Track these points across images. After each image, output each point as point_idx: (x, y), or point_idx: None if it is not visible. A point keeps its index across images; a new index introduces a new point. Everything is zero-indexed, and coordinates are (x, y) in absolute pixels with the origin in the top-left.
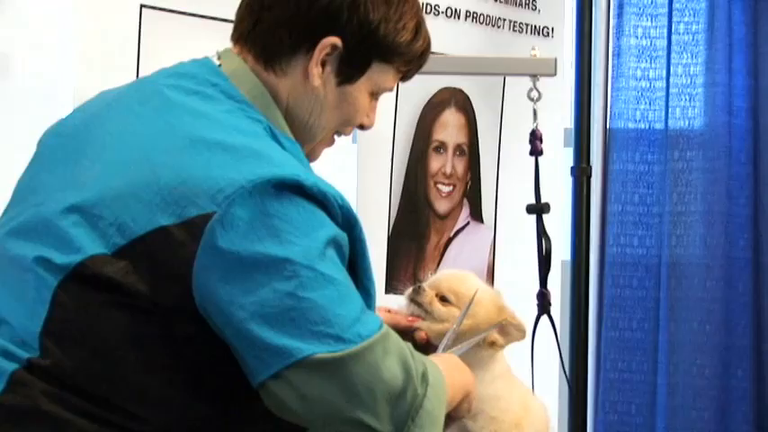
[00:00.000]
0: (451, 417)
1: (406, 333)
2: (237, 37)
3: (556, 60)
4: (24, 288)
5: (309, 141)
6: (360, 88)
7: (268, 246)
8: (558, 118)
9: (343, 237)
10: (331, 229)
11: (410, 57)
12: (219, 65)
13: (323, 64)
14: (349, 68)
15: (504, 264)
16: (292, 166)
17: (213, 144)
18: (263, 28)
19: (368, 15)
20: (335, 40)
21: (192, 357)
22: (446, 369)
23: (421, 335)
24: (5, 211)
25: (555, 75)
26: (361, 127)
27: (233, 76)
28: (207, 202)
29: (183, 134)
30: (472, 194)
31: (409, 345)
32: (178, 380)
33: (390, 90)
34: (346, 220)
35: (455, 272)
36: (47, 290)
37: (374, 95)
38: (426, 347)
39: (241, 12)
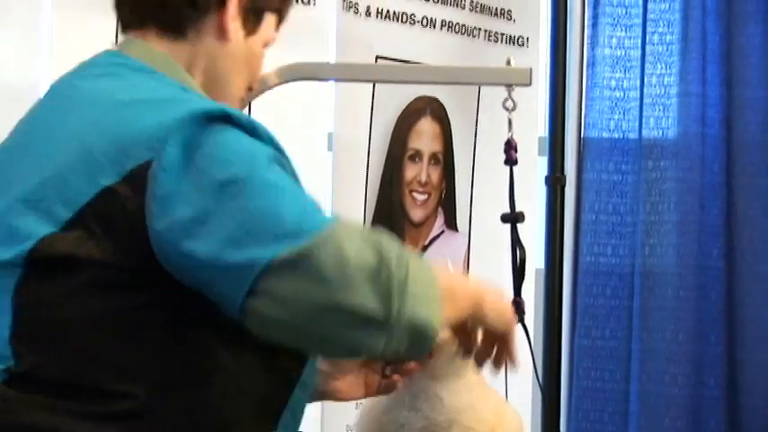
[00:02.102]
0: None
1: None
2: (129, 22)
3: (531, 70)
4: None
5: (231, 101)
6: (258, 40)
7: (210, 174)
8: (532, 127)
9: (281, 159)
10: (268, 149)
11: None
12: (119, 51)
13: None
14: (251, 19)
15: (478, 272)
16: (215, 103)
17: (132, 102)
18: (161, 1)
19: None
20: None
21: (164, 319)
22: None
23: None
24: None
25: (530, 85)
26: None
27: (138, 55)
28: (142, 151)
29: (102, 104)
30: (447, 203)
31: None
32: (155, 344)
33: (274, 41)
34: (274, 147)
35: None
36: (6, 295)
37: (266, 46)
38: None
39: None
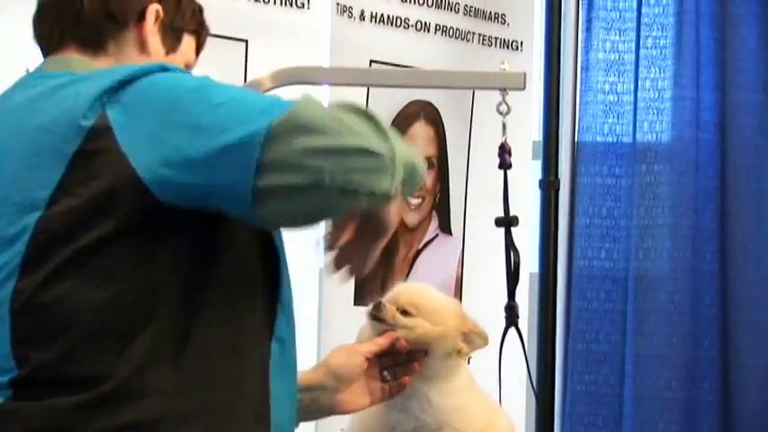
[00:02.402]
0: None
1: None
2: (49, 41)
3: (525, 75)
4: None
5: None
6: (178, 60)
7: (165, 96)
8: (526, 131)
9: None
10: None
11: (202, 23)
12: (41, 68)
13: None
14: (171, 36)
15: (472, 276)
16: (146, 64)
17: (71, 82)
18: (80, 16)
19: None
20: (158, 6)
21: (153, 281)
22: None
23: (401, 343)
24: None
25: (524, 89)
26: None
27: (55, 68)
28: (94, 110)
29: (42, 96)
30: (441, 207)
31: None
32: (158, 324)
33: (194, 65)
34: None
35: (412, 285)
36: (3, 305)
37: (187, 68)
38: (411, 354)
39: (43, 14)
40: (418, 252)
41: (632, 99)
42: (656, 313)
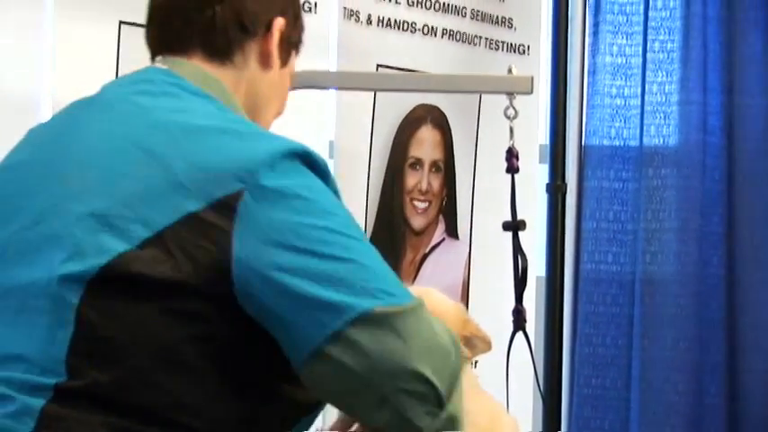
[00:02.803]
0: None
1: None
2: (173, 43)
3: (532, 78)
4: (34, 315)
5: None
6: (287, 72)
7: (304, 215)
8: (533, 135)
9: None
10: (343, 206)
11: (302, 36)
12: (168, 69)
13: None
14: (286, 50)
15: (479, 280)
16: (294, 141)
17: (211, 129)
18: (213, 23)
19: None
20: (282, 19)
21: (229, 358)
22: None
23: None
24: None
25: (531, 93)
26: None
27: (187, 76)
28: (231, 181)
29: (176, 127)
30: (448, 211)
31: None
32: (217, 383)
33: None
34: (334, 188)
35: (416, 288)
36: (68, 310)
37: (291, 79)
38: None
39: (169, 17)
40: (425, 256)
41: (639, 103)
42: (662, 317)
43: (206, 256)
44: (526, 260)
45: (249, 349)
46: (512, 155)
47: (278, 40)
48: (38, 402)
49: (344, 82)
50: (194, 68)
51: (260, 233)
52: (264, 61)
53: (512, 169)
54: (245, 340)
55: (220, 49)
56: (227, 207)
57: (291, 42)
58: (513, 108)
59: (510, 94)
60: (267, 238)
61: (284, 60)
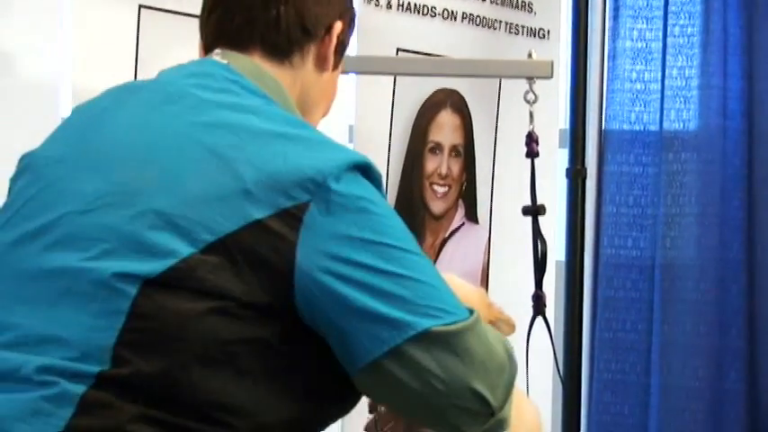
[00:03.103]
0: None
1: None
2: (233, 37)
3: (552, 63)
4: (83, 300)
5: None
6: (336, 75)
7: (366, 230)
8: (552, 119)
9: None
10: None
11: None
12: (228, 63)
13: None
14: (339, 54)
15: (498, 265)
16: (354, 151)
17: (277, 135)
18: (277, 22)
19: None
20: (341, 23)
21: (282, 362)
22: None
23: None
24: (7, 225)
25: (551, 77)
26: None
27: (246, 72)
28: (299, 192)
29: (241, 128)
30: (467, 195)
31: None
32: (268, 386)
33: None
34: (384, 196)
35: None
36: (123, 299)
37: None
38: None
39: (232, 11)
40: (444, 240)
41: (659, 87)
42: (682, 302)
43: (269, 265)
44: (546, 245)
45: (302, 355)
46: (531, 139)
47: (335, 43)
48: (79, 388)
49: (364, 66)
50: (253, 66)
51: (324, 245)
52: (321, 64)
53: (531, 154)
54: (299, 346)
55: (280, 49)
56: (293, 217)
57: (345, 45)
58: (533, 93)
59: (530, 79)
60: (330, 250)
61: (337, 63)
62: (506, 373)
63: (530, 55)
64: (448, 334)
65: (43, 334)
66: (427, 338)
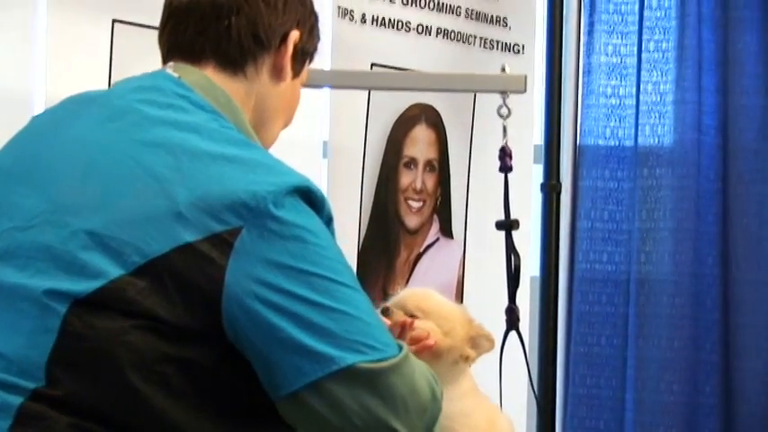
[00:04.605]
0: None
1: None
2: (186, 50)
3: (526, 77)
4: (17, 317)
5: (270, 144)
6: (298, 83)
7: (299, 259)
8: (527, 134)
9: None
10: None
11: (317, 45)
12: (179, 77)
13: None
14: (299, 61)
15: (473, 280)
16: (296, 173)
17: (215, 156)
18: (228, 33)
19: (313, 4)
20: (297, 32)
21: (210, 383)
22: None
23: (430, 342)
24: None
25: (525, 92)
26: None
27: (197, 86)
28: (231, 216)
29: (180, 148)
30: (442, 210)
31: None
32: (198, 406)
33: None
34: (329, 220)
35: (417, 290)
36: (54, 318)
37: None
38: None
39: (184, 23)
40: (419, 255)
41: (634, 102)
42: (657, 317)
43: (198, 289)
44: (519, 259)
45: (232, 376)
46: (505, 154)
47: (292, 52)
48: (16, 400)
49: (339, 80)
50: (204, 79)
51: (253, 271)
52: (277, 74)
53: (505, 168)
54: (228, 367)
55: (233, 60)
56: (224, 242)
57: (306, 53)
58: (507, 107)
59: (503, 93)
60: (260, 277)
61: (297, 72)
62: (427, 413)
63: (503, 69)
64: (371, 371)
65: None
66: (349, 375)
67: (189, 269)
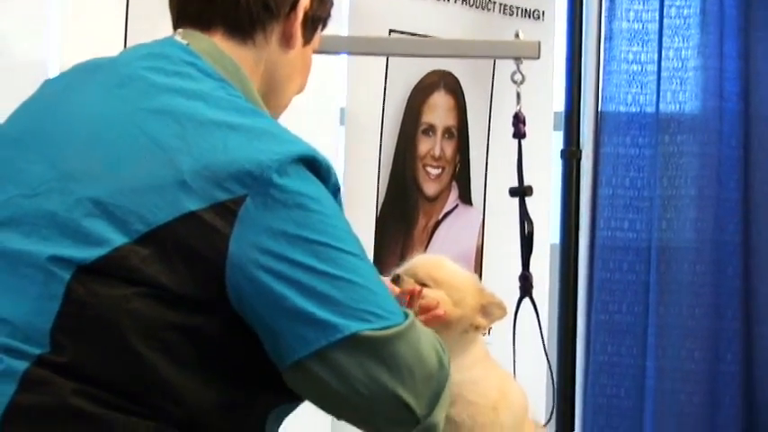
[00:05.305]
0: None
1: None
2: (195, 17)
3: (539, 44)
4: (23, 284)
5: (281, 110)
6: (310, 50)
7: (303, 227)
8: (547, 101)
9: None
10: (344, 218)
11: (330, 11)
12: (187, 44)
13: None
14: (310, 28)
15: (492, 247)
16: (301, 142)
17: (221, 124)
18: (235, 1)
19: None
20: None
21: (213, 350)
22: None
23: (439, 312)
24: None
25: (538, 58)
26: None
27: (205, 54)
28: (235, 185)
29: (186, 117)
30: (461, 177)
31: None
32: (201, 372)
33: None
34: (335, 189)
35: (429, 257)
36: (58, 284)
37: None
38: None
39: None
40: (438, 222)
41: (656, 69)
42: (678, 284)
43: (201, 257)
44: (532, 225)
45: (236, 344)
46: (518, 120)
47: (302, 19)
48: (21, 365)
49: (356, 47)
50: (212, 46)
51: (257, 240)
52: (287, 42)
53: (518, 134)
54: (232, 335)
55: (242, 28)
56: (228, 210)
57: (316, 19)
58: (521, 73)
59: (517, 60)
60: (264, 245)
61: (308, 38)
62: (434, 380)
63: (516, 35)
64: (376, 339)
65: None
66: (354, 343)
67: (193, 238)
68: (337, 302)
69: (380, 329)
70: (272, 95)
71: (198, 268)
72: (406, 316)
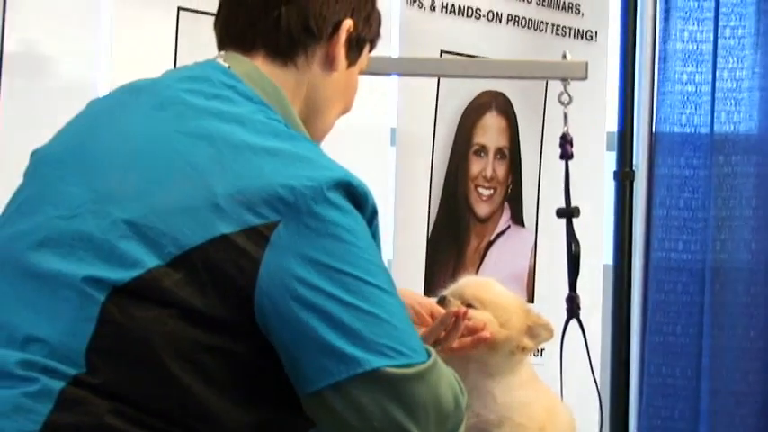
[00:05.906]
0: None
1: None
2: (238, 39)
3: (587, 64)
4: (59, 304)
5: (324, 133)
6: (355, 71)
7: (334, 258)
8: (600, 121)
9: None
10: (378, 251)
11: (378, 31)
12: (228, 67)
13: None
14: (354, 49)
15: (545, 268)
16: (337, 167)
17: (257, 149)
18: (278, 24)
19: None
20: (351, 21)
21: (245, 371)
22: None
23: (486, 335)
24: (8, 221)
25: (586, 78)
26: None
27: (245, 77)
28: (268, 210)
29: (222, 140)
30: (513, 198)
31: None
32: (233, 394)
33: (365, 70)
34: (372, 214)
35: (475, 278)
36: (93, 305)
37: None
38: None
39: (235, 13)
40: (490, 243)
41: (710, 89)
42: (733, 306)
43: (232, 281)
44: (579, 246)
45: (268, 366)
46: (566, 141)
47: (345, 41)
48: (57, 384)
49: (407, 68)
50: (253, 69)
51: (288, 266)
52: (329, 64)
53: (566, 155)
54: (265, 358)
55: (283, 51)
56: (260, 235)
57: (362, 40)
58: (568, 94)
59: (564, 80)
60: (293, 272)
61: (352, 60)
62: (449, 422)
63: (564, 56)
64: (396, 377)
65: (27, 334)
66: (373, 378)
67: (224, 261)
68: (361, 336)
69: (402, 367)
70: (315, 118)
71: (228, 291)
72: (429, 354)
